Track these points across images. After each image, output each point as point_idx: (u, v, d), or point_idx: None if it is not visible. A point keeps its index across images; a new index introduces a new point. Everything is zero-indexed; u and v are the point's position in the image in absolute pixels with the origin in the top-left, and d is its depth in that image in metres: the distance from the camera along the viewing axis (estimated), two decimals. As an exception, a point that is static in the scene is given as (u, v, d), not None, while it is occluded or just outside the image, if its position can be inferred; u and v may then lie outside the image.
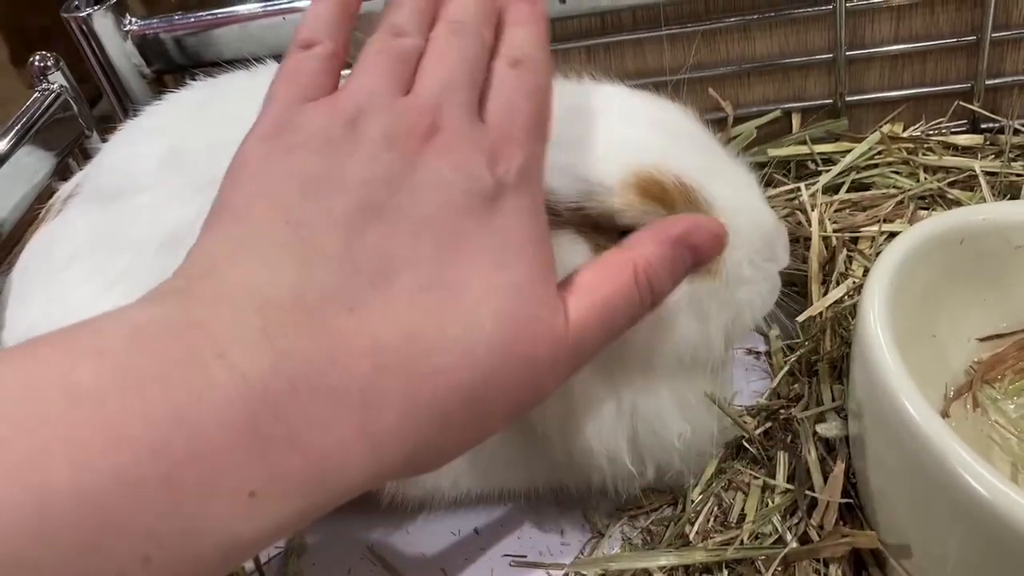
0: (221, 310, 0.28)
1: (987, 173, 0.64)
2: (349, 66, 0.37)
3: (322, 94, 0.35)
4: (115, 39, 0.69)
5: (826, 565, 0.44)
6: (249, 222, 0.31)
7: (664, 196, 0.40)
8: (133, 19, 0.69)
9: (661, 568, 0.46)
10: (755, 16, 0.68)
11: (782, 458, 0.49)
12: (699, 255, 0.38)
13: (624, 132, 0.42)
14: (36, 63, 0.66)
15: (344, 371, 0.28)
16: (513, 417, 0.33)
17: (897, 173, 0.66)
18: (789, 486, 0.48)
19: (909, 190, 0.64)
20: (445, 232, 0.31)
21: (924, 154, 0.67)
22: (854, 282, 0.57)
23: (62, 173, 0.64)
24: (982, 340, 0.50)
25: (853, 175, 0.67)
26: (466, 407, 0.31)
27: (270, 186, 0.32)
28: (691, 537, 0.47)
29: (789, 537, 0.45)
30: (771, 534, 0.46)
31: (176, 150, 0.47)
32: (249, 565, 0.51)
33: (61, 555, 0.23)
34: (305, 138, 0.33)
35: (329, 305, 0.29)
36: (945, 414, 0.47)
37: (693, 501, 0.49)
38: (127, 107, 0.71)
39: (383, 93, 0.34)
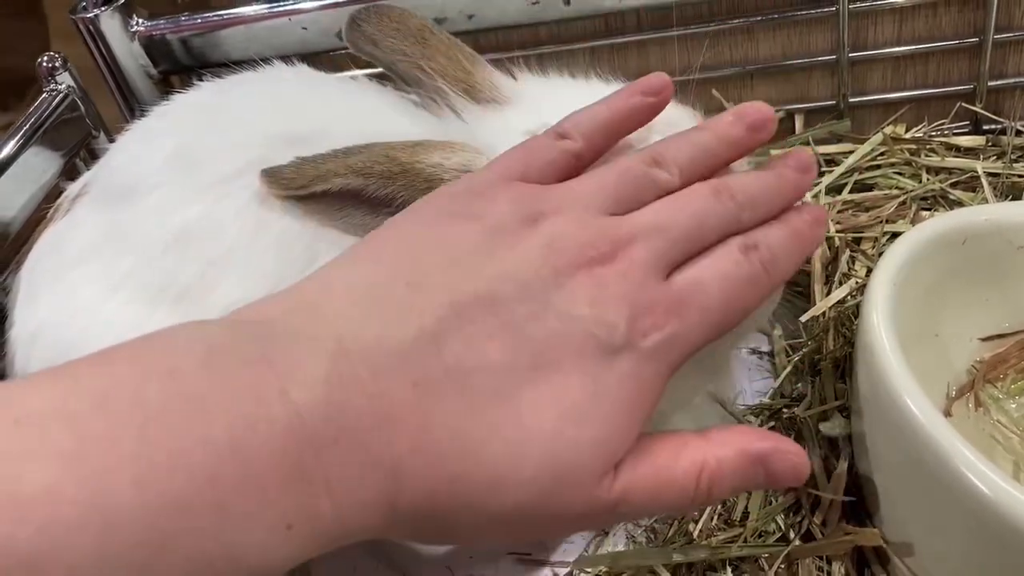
0: (296, 348, 0.28)
1: (989, 174, 0.64)
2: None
3: (541, 182, 0.34)
4: (122, 40, 0.70)
5: (829, 563, 0.44)
6: (377, 269, 0.32)
7: None
8: (140, 20, 0.70)
9: (665, 566, 0.46)
10: (758, 18, 0.68)
11: (785, 457, 0.49)
12: (772, 480, 0.34)
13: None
14: (44, 63, 0.66)
15: (384, 440, 0.28)
16: (521, 542, 0.33)
17: (900, 174, 0.67)
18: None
19: (912, 191, 0.64)
20: (545, 358, 0.30)
21: (927, 155, 0.67)
22: (857, 282, 0.57)
23: (69, 173, 0.64)
24: (984, 340, 0.50)
25: (856, 176, 0.67)
26: (474, 520, 0.30)
27: (421, 244, 0.32)
28: (695, 535, 0.48)
29: (792, 535, 0.46)
30: (774, 532, 0.47)
31: (184, 150, 0.48)
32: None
33: (117, 572, 0.23)
34: (486, 213, 0.33)
35: (397, 372, 0.29)
36: (947, 413, 0.48)
37: (697, 499, 0.50)
38: (134, 107, 0.71)
39: (589, 205, 0.33)
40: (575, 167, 0.36)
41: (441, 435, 0.29)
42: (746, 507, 0.48)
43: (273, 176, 0.43)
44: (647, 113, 0.38)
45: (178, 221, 0.46)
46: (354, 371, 0.28)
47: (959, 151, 0.68)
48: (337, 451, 0.27)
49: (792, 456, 0.33)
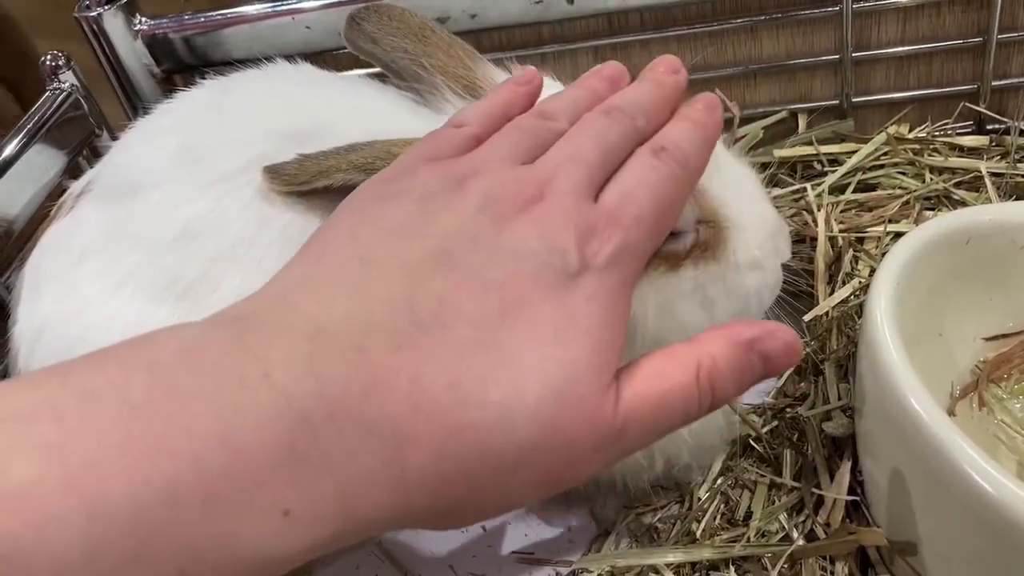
0: (273, 335, 0.28)
1: (993, 174, 0.64)
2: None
3: (450, 156, 0.36)
4: (125, 39, 0.70)
5: (832, 562, 0.44)
6: (330, 256, 0.32)
7: None
8: (143, 19, 0.70)
9: (668, 565, 0.46)
10: (762, 17, 0.68)
11: (788, 456, 0.49)
12: (770, 365, 0.34)
13: None
14: (47, 62, 0.67)
15: (379, 406, 0.28)
16: (547, 492, 0.32)
17: (903, 174, 0.67)
18: (796, 484, 0.48)
19: (915, 191, 0.64)
20: (512, 297, 0.31)
21: (930, 155, 0.67)
22: (860, 282, 0.57)
23: (73, 171, 0.64)
24: (988, 339, 0.50)
25: (859, 176, 0.67)
26: (494, 472, 0.30)
27: (361, 224, 0.33)
28: (698, 534, 0.47)
29: (796, 535, 0.45)
30: (778, 532, 0.46)
31: (188, 147, 0.48)
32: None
33: (107, 564, 0.23)
34: (411, 187, 0.34)
35: (377, 340, 0.29)
36: (951, 413, 0.47)
37: (700, 499, 0.50)
38: (137, 106, 0.71)
39: (501, 159, 0.35)
40: (474, 146, 0.38)
41: (436, 391, 0.29)
42: (749, 506, 0.48)
43: (275, 173, 0.43)
44: (524, 99, 0.41)
45: (182, 218, 0.46)
46: (334, 347, 0.28)
47: (963, 151, 0.68)
48: (331, 426, 0.27)
49: (782, 334, 0.34)
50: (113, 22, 0.69)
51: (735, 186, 0.43)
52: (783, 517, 0.47)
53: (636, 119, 0.37)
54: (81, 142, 0.67)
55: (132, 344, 0.28)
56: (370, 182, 0.36)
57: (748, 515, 0.48)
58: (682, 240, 0.42)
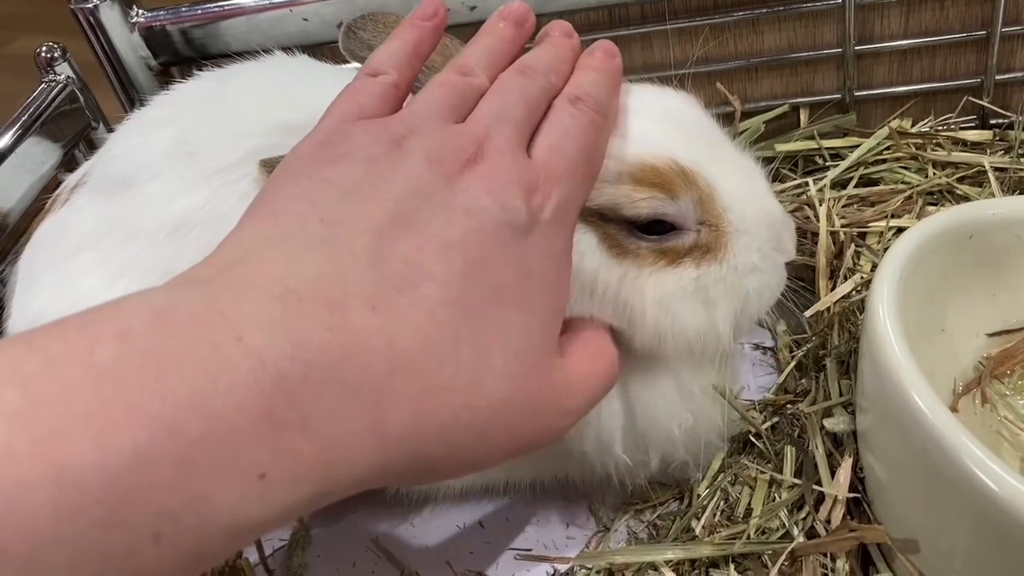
0: (243, 297, 0.28)
1: (996, 169, 0.63)
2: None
3: (378, 115, 0.36)
4: (122, 31, 0.69)
5: (833, 560, 0.44)
6: (285, 218, 0.32)
7: (661, 182, 0.40)
8: (140, 11, 0.69)
9: (667, 562, 0.46)
10: (763, 10, 0.67)
11: (789, 453, 0.49)
12: None
13: (624, 123, 0.42)
14: (43, 54, 0.66)
15: (359, 368, 0.28)
16: (518, 452, 0.34)
17: (905, 168, 0.66)
18: (796, 480, 0.48)
19: (917, 185, 0.64)
20: (473, 256, 0.32)
21: (933, 149, 0.67)
22: (862, 277, 0.57)
23: (68, 164, 0.64)
24: (991, 335, 0.50)
25: (861, 170, 0.67)
26: (469, 432, 0.31)
27: (310, 189, 0.33)
28: (697, 531, 0.47)
29: (796, 532, 0.45)
30: (778, 529, 0.46)
31: (184, 139, 0.47)
32: (254, 557, 0.51)
33: (78, 530, 0.23)
34: (351, 150, 0.34)
35: (352, 301, 0.29)
36: (954, 409, 0.47)
37: (699, 495, 0.49)
38: (133, 99, 0.71)
39: (435, 117, 0.36)
40: (396, 96, 0.38)
41: (412, 351, 0.29)
42: (749, 503, 0.48)
43: (271, 167, 0.43)
44: (432, 34, 0.42)
45: (178, 210, 0.46)
46: (308, 308, 0.28)
47: (966, 145, 0.68)
48: (309, 389, 0.27)
49: None
50: (109, 14, 0.68)
51: (740, 185, 0.43)
52: (783, 514, 0.46)
53: (548, 76, 0.39)
54: (77, 135, 0.67)
55: (99, 310, 0.27)
56: (302, 147, 0.36)
57: (748, 512, 0.47)
58: (683, 238, 0.42)
